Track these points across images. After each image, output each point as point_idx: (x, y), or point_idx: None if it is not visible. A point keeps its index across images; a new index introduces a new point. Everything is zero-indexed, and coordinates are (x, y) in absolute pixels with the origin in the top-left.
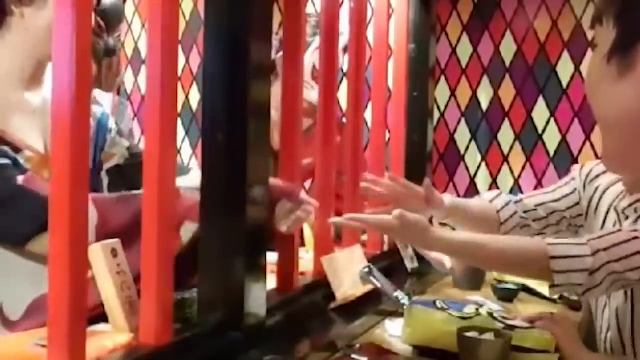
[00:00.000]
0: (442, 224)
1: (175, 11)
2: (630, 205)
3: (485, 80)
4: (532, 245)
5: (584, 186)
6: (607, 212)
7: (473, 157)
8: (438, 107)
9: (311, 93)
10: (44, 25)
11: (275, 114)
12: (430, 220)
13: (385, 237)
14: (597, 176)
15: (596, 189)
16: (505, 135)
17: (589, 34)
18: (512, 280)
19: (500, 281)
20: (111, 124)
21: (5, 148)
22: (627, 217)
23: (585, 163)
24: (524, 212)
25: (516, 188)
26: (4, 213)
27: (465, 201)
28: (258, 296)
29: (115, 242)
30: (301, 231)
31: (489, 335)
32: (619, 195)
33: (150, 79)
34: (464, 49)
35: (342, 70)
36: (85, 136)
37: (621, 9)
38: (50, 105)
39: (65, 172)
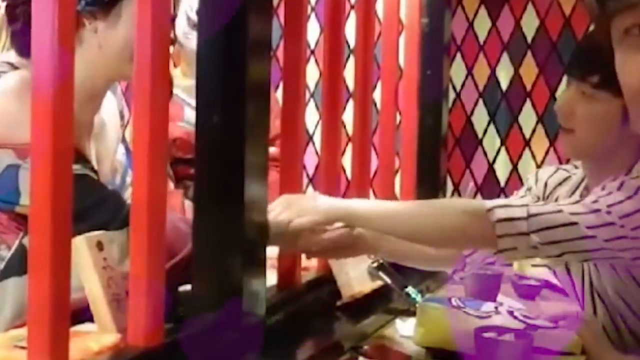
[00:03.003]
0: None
1: None
2: None
3: (505, 57)
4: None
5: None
6: None
7: (492, 141)
8: (454, 88)
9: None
10: (118, 42)
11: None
12: None
13: None
14: (554, 189)
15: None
16: (527, 117)
17: None
18: (534, 276)
19: (521, 277)
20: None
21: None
22: None
23: (537, 173)
24: None
25: None
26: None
27: None
28: (257, 294)
29: (101, 234)
30: None
31: (509, 336)
32: None
33: (140, 59)
34: (482, 24)
35: (348, 46)
36: (69, 123)
37: None
38: (32, 89)
39: (47, 162)
